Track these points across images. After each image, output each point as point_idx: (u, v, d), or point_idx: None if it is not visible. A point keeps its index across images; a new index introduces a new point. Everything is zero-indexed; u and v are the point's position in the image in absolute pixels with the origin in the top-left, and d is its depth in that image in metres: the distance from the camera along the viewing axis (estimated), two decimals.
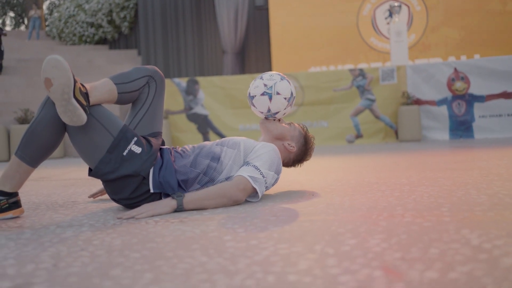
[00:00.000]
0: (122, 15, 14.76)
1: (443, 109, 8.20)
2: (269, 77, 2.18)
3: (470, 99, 8.08)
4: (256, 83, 2.17)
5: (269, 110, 2.15)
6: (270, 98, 2.12)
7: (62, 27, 15.93)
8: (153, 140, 1.92)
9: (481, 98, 8.04)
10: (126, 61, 14.02)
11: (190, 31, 12.89)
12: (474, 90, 8.05)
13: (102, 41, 15.63)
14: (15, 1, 31.34)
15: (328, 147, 7.84)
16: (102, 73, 12.79)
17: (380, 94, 8.44)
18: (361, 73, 8.54)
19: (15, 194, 1.82)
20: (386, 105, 8.41)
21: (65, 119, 1.68)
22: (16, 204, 1.81)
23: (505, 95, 7.94)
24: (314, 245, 1.13)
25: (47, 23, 17.79)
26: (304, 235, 1.25)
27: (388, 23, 12.12)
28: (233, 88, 8.62)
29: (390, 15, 11.62)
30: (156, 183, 1.84)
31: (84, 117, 1.71)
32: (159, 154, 1.93)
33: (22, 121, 8.64)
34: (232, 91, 8.62)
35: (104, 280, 0.97)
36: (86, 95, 1.76)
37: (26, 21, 31.30)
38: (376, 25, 12.53)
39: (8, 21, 33.13)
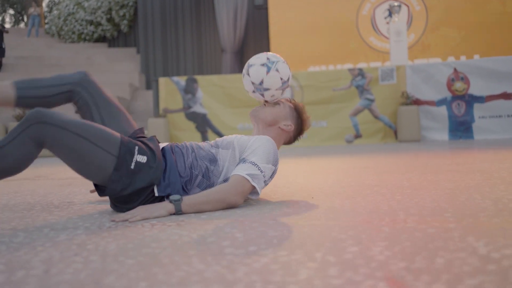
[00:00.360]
0: (121, 13, 14.70)
1: (443, 109, 8.17)
2: (273, 55, 2.14)
3: (470, 100, 8.05)
4: (259, 55, 2.13)
5: (261, 83, 2.06)
6: (268, 71, 2.06)
7: (61, 24, 15.87)
8: (150, 144, 1.88)
9: (481, 99, 8.01)
10: (125, 59, 13.96)
11: (189, 29, 12.85)
12: (474, 90, 8.03)
13: (101, 39, 15.57)
14: None
15: (327, 147, 7.80)
16: (101, 71, 12.74)
17: (379, 94, 8.41)
18: (361, 73, 8.51)
19: None
20: (385, 105, 8.38)
21: None
22: None
23: (505, 95, 7.91)
24: (314, 252, 1.10)
25: (46, 20, 17.74)
26: (304, 241, 1.21)
27: (387, 23, 12.08)
28: (232, 87, 8.59)
29: (390, 14, 11.58)
30: (162, 186, 1.81)
31: None
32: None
33: (20, 118, 8.60)
34: (231, 90, 8.58)
35: None
36: None
37: (25, 19, 31.22)
38: (375, 25, 12.50)
39: (7, 19, 33.04)
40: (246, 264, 1.03)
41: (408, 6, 12.25)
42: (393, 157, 4.57)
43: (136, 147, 1.79)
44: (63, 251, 1.24)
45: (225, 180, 1.94)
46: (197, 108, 8.62)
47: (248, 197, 1.91)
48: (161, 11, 13.07)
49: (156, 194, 1.81)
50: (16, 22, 32.83)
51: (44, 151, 1.76)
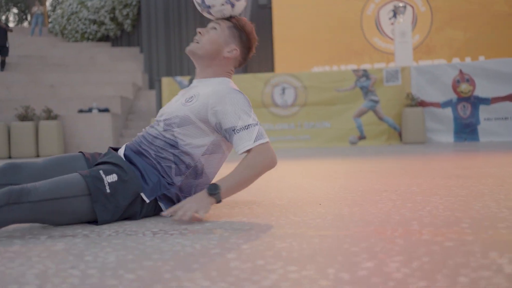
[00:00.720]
0: (124, 12, 14.66)
1: (448, 111, 8.10)
2: None
3: (476, 102, 7.97)
4: None
5: (203, 1, 1.89)
6: (233, 6, 1.90)
7: (65, 23, 15.84)
8: (111, 160, 1.76)
9: (487, 101, 7.93)
10: (128, 59, 13.92)
11: (193, 29, 12.79)
12: (480, 92, 7.95)
13: (104, 38, 15.53)
14: None
15: (330, 148, 7.73)
16: (104, 70, 12.69)
17: (383, 95, 8.34)
18: (365, 74, 8.44)
19: None
20: (389, 107, 8.31)
21: None
22: None
23: (511, 97, 7.82)
24: (326, 267, 1.03)
25: (50, 19, 17.70)
26: (314, 255, 1.14)
27: (392, 24, 12.01)
28: None
29: (395, 15, 11.51)
30: (148, 190, 1.73)
31: None
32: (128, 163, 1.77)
33: (22, 118, 8.55)
34: None
35: None
36: None
37: (29, 18, 31.23)
38: (380, 25, 12.42)
39: (11, 17, 33.07)
40: (255, 282, 0.96)
41: (413, 7, 12.18)
42: (399, 159, 4.49)
43: (100, 171, 1.68)
44: (59, 263, 1.17)
45: (209, 147, 1.82)
46: None
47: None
48: (165, 11, 13.02)
49: (147, 201, 1.73)
50: (20, 21, 32.85)
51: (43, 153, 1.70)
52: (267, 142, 1.75)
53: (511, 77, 7.82)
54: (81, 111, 9.56)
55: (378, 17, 12.40)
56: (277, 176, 3.29)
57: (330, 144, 8.44)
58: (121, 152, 1.85)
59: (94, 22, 15.33)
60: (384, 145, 8.13)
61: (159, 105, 8.62)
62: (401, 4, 9.69)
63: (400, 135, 8.29)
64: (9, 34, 12.63)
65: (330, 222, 1.55)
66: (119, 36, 15.27)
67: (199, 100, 1.80)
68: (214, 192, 1.65)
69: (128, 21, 14.77)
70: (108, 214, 1.65)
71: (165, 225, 1.62)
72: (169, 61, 12.98)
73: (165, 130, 1.82)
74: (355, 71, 8.52)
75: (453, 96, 8.05)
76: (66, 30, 15.80)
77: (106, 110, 9.65)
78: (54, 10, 27.63)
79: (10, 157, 8.35)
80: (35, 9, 17.20)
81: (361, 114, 8.41)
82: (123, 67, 12.91)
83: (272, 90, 8.57)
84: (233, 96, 1.77)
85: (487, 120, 7.94)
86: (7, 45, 11.89)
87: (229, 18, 1.95)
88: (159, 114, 1.93)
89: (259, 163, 1.71)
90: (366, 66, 12.15)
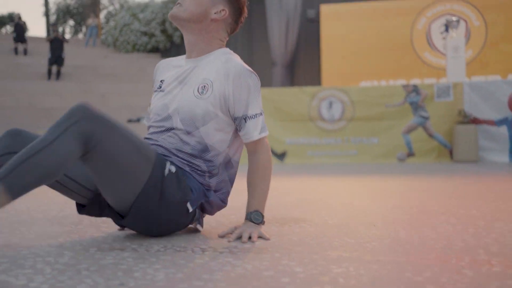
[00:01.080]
0: (175, 25, 14.96)
1: (503, 129, 7.75)
2: None
3: None
4: None
5: None
6: None
7: (117, 35, 16.31)
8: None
9: None
10: None
11: (240, 42, 12.89)
12: None
13: (154, 50, 15.90)
14: (75, 11, 32.58)
15: (378, 165, 7.54)
16: (153, 81, 12.95)
17: (434, 112, 8.08)
18: (415, 89, 8.22)
19: None
20: (440, 123, 8.05)
21: None
22: None
23: None
24: None
25: (103, 31, 18.29)
26: (374, 283, 1.07)
27: (444, 38, 11.69)
28: (281, 100, 8.49)
29: (447, 29, 11.20)
30: (193, 199, 1.61)
31: None
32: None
33: None
34: (280, 103, 8.48)
35: None
36: None
37: (84, 30, 32.46)
38: (431, 40, 12.13)
39: (68, 29, 34.46)
40: None
41: (466, 21, 11.82)
42: (451, 179, 4.31)
43: (168, 162, 1.58)
44: (109, 279, 1.15)
45: (232, 136, 1.70)
46: None
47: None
48: None
49: (190, 210, 1.60)
50: (75, 32, 34.17)
51: None
52: (267, 135, 1.74)
53: None
54: (130, 120, 9.76)
55: (429, 31, 12.12)
56: (326, 193, 3.20)
57: (377, 160, 8.24)
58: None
59: (145, 34, 15.72)
60: (434, 163, 7.87)
61: None
62: (454, 19, 9.41)
63: (451, 153, 8.00)
64: (65, 45, 13.10)
65: (387, 246, 1.47)
66: (169, 47, 15.60)
67: (215, 90, 1.63)
68: (261, 220, 1.67)
69: (178, 33, 15.07)
70: (148, 201, 1.51)
71: (214, 242, 1.57)
72: None
73: (188, 134, 1.64)
74: (404, 86, 8.32)
75: (509, 114, 7.71)
76: (118, 42, 16.27)
77: None
78: (107, 22, 28.60)
79: None
80: (90, 21, 17.84)
81: (410, 130, 8.18)
82: None
83: (319, 103, 8.47)
84: (248, 79, 1.66)
85: None
86: (63, 56, 12.34)
87: None
88: (155, 112, 1.72)
89: (268, 166, 1.73)
90: (416, 81, 11.86)
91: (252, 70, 1.72)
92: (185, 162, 1.65)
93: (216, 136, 1.66)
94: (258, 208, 1.67)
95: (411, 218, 2.04)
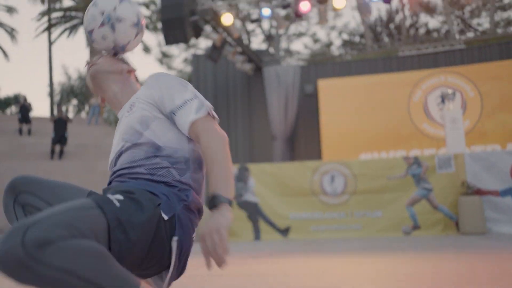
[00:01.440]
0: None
1: (508, 200, 7.71)
2: (104, 1, 1.73)
3: None
4: (91, 12, 1.73)
5: (85, 28, 1.75)
6: (87, 11, 1.73)
7: None
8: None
9: None
10: None
11: (240, 116, 13.14)
12: None
13: None
14: (78, 91, 33.54)
15: (383, 238, 7.42)
16: None
17: (437, 183, 8.07)
18: (416, 161, 8.26)
19: None
20: (444, 195, 8.01)
21: None
22: None
23: None
24: None
25: (105, 110, 18.72)
26: None
27: (441, 109, 11.93)
28: (284, 175, 8.51)
29: (443, 101, 11.46)
30: (164, 203, 1.45)
31: None
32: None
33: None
34: (283, 178, 8.50)
35: None
36: None
37: (86, 108, 33.22)
38: (428, 111, 12.36)
39: (71, 108, 35.28)
40: None
41: (461, 93, 12.11)
42: (461, 255, 4.23)
43: (106, 195, 1.40)
44: None
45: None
46: (248, 197, 8.54)
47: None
48: (214, 99, 13.49)
49: (165, 218, 1.43)
50: (78, 111, 34.96)
51: None
52: (205, 114, 1.58)
53: None
54: None
55: (426, 103, 12.37)
56: (331, 279, 3.13)
57: (382, 233, 8.13)
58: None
59: None
60: (440, 235, 7.75)
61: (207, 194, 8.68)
62: (450, 91, 9.65)
63: (457, 224, 7.90)
64: (69, 125, 13.34)
65: None
66: None
67: (141, 100, 1.65)
68: (218, 201, 1.40)
69: None
70: (123, 234, 1.30)
71: None
72: None
73: (135, 145, 1.59)
74: (405, 158, 8.37)
75: None
76: None
77: None
78: None
79: None
80: (93, 100, 18.28)
81: (414, 202, 8.14)
82: None
83: (321, 178, 8.49)
84: (164, 76, 1.66)
85: None
86: (66, 135, 12.54)
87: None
88: (112, 156, 1.68)
89: (215, 148, 1.52)
90: (416, 151, 11.96)
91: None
92: (140, 167, 1.55)
93: (166, 135, 1.60)
94: (223, 191, 1.43)
95: None
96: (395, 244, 6.10)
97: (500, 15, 21.62)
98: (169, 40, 8.96)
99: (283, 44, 24.13)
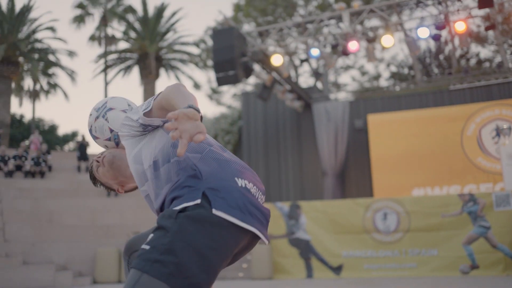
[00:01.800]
0: (226, 139, 15.65)
1: None
2: (99, 102, 2.01)
3: None
4: (90, 113, 1.99)
5: (111, 130, 1.94)
6: (97, 118, 1.95)
7: None
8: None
9: None
10: None
11: (290, 152, 13.25)
12: None
13: None
14: None
15: (440, 278, 7.24)
16: None
17: (495, 221, 7.84)
18: (472, 198, 8.08)
19: None
20: (503, 233, 7.76)
21: None
22: None
23: None
24: None
25: None
26: None
27: (496, 143, 11.63)
28: (336, 212, 8.51)
29: (498, 135, 11.19)
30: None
31: None
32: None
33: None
34: (335, 215, 8.49)
35: None
36: None
37: None
38: (482, 145, 12.07)
39: None
40: None
41: None
42: None
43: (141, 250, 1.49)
44: None
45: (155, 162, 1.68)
46: (300, 234, 8.57)
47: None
48: (264, 137, 13.70)
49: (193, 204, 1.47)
50: None
51: None
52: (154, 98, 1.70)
53: None
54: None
55: (480, 136, 12.10)
56: None
57: (438, 273, 7.92)
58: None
59: None
60: (501, 276, 7.48)
61: None
62: (505, 126, 9.43)
63: None
64: None
65: None
66: None
67: (127, 147, 1.81)
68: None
69: (229, 146, 15.69)
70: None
71: None
72: (268, 187, 13.33)
73: (146, 180, 1.73)
74: (460, 195, 8.19)
75: None
76: None
77: None
78: None
79: (120, 282, 8.74)
80: None
81: (471, 241, 7.92)
82: None
83: (373, 215, 8.43)
84: (120, 123, 1.85)
85: None
86: None
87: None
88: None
89: (167, 89, 1.60)
90: (471, 186, 11.64)
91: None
92: (167, 188, 1.62)
93: (150, 148, 1.71)
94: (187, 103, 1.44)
95: None
96: (453, 284, 5.96)
97: None
98: (221, 81, 9.28)
99: (331, 77, 24.29)
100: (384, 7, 9.39)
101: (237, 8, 24.57)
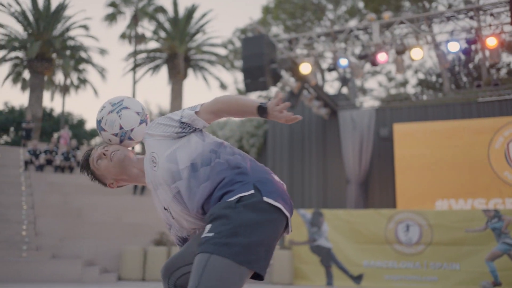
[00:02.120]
0: (251, 142, 15.78)
1: None
2: (115, 97, 2.10)
3: None
4: (103, 106, 2.07)
5: (121, 128, 2.04)
6: (110, 112, 2.04)
7: None
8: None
9: None
10: None
11: (315, 159, 13.30)
12: None
13: None
14: None
15: None
16: None
17: None
18: (497, 215, 8.04)
19: None
20: None
21: None
22: None
23: None
24: None
25: None
26: None
27: None
28: (358, 222, 8.57)
29: None
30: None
31: None
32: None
33: (158, 243, 9.27)
34: (357, 225, 8.55)
35: None
36: None
37: None
38: (510, 159, 11.94)
39: None
40: None
41: None
42: None
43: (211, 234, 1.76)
44: None
45: (194, 165, 1.91)
46: (322, 242, 8.65)
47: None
48: (289, 142, 13.79)
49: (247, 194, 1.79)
50: None
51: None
52: (202, 104, 1.95)
53: None
54: None
55: (507, 150, 11.97)
56: None
57: (460, 287, 7.92)
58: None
59: None
60: None
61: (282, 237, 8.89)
62: None
63: None
64: None
65: None
66: None
67: (154, 149, 1.96)
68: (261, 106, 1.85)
69: (254, 149, 15.82)
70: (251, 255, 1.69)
71: None
72: (291, 193, 13.40)
73: (180, 179, 1.90)
74: (485, 211, 8.16)
75: None
76: None
77: None
78: None
79: (144, 279, 8.95)
80: None
81: (494, 257, 7.89)
82: None
83: (396, 226, 8.46)
84: (151, 124, 2.02)
85: None
86: None
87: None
88: (165, 215, 2.08)
89: (220, 99, 1.92)
90: (496, 200, 11.53)
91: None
92: (209, 187, 1.88)
93: (188, 151, 1.92)
94: (255, 105, 1.84)
95: None
96: None
97: None
98: (250, 88, 9.42)
99: (357, 82, 24.21)
100: (415, 19, 9.40)
101: (266, 10, 24.68)
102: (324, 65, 22.11)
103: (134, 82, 24.75)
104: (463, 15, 9.09)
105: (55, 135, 22.35)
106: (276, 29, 24.83)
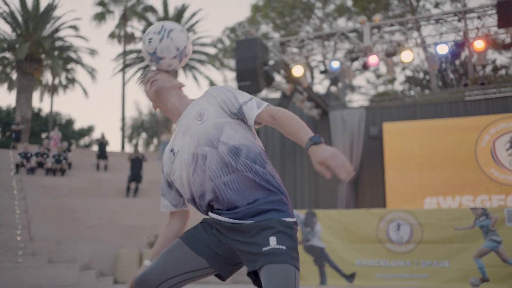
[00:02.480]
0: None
1: None
2: (153, 26, 2.07)
3: None
4: (166, 44, 2.03)
5: (177, 49, 2.04)
6: (161, 40, 2.02)
7: None
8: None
9: None
10: None
11: (307, 160, 13.43)
12: None
13: None
14: (148, 125, 35.07)
15: None
16: None
17: (507, 236, 8.02)
18: (484, 213, 8.26)
19: None
20: None
21: None
22: None
23: None
24: None
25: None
26: None
27: (510, 155, 11.79)
28: (351, 222, 8.73)
29: (511, 146, 11.35)
30: (286, 211, 2.00)
31: None
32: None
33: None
34: (349, 225, 8.72)
35: None
36: None
37: (155, 142, 34.60)
38: (496, 157, 12.20)
39: (140, 142, 36.76)
40: None
41: None
42: None
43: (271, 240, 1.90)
44: None
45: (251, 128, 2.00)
46: (315, 242, 8.81)
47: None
48: (280, 143, 13.89)
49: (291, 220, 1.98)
50: (147, 144, 36.43)
51: None
52: (268, 104, 1.97)
53: None
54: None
55: (493, 148, 12.23)
56: None
57: (449, 284, 8.13)
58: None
59: None
60: None
61: None
62: None
63: None
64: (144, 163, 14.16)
65: None
66: None
67: (210, 109, 1.97)
68: (314, 141, 1.90)
69: None
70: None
71: None
72: None
73: (214, 147, 1.90)
74: (473, 209, 8.38)
75: None
76: None
77: None
78: None
79: None
80: (163, 137, 19.18)
81: (481, 254, 8.11)
82: None
83: (387, 226, 8.65)
84: (221, 88, 2.04)
85: None
86: (141, 174, 13.32)
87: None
88: (184, 159, 1.97)
89: (284, 113, 1.96)
90: (483, 197, 11.78)
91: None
92: (241, 174, 1.91)
93: (237, 134, 1.93)
94: (309, 135, 1.90)
95: None
96: None
97: None
98: (243, 90, 9.52)
99: (346, 80, 24.40)
100: (404, 22, 9.58)
101: (256, 9, 24.78)
102: (313, 63, 22.28)
103: (124, 83, 24.72)
104: (451, 18, 9.28)
105: (45, 136, 22.27)
106: (265, 28, 24.94)
